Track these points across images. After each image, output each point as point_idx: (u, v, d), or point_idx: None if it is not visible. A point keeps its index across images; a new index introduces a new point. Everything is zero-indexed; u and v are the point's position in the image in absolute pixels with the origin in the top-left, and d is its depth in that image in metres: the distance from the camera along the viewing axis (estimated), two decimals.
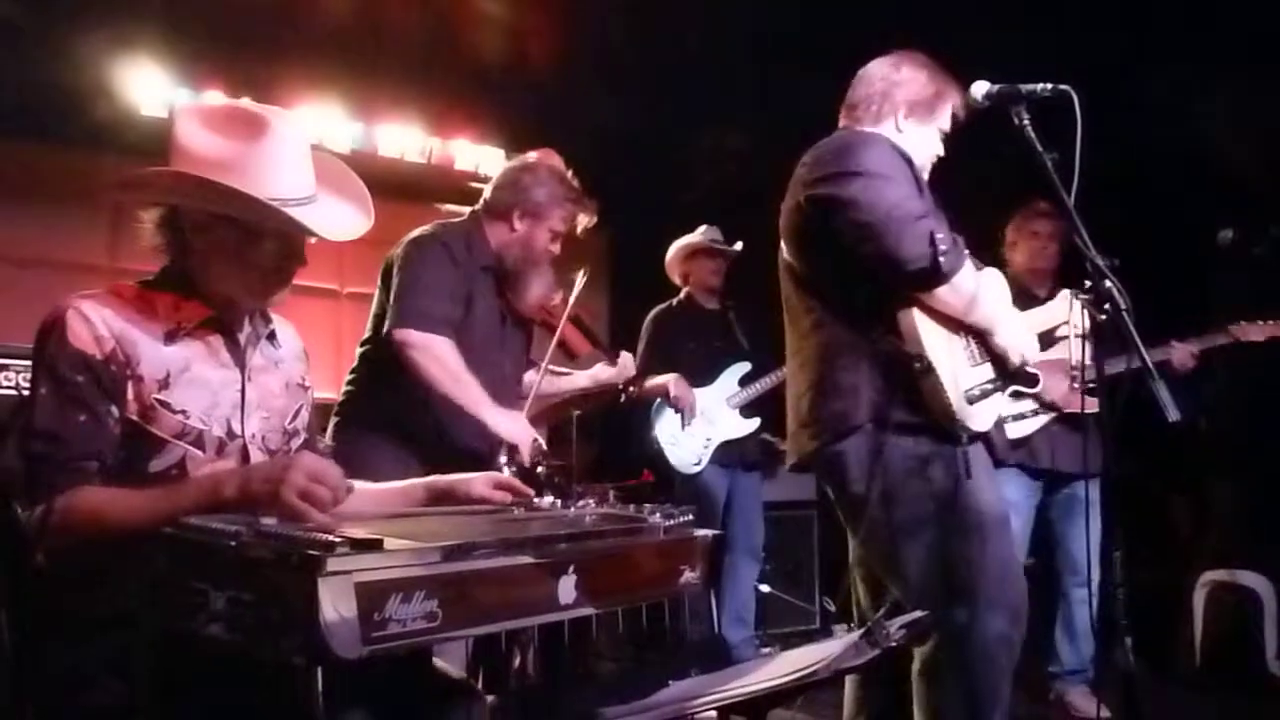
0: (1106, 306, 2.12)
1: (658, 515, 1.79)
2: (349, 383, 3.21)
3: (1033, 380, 2.72)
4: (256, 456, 1.87)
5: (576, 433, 4.92)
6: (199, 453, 1.77)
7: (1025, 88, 2.40)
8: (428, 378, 2.94)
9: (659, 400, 4.71)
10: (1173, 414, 2.05)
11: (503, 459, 2.98)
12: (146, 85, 5.38)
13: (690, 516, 1.83)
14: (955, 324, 2.53)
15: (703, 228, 4.92)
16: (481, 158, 6.56)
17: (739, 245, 4.88)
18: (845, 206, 2.45)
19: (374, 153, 6.25)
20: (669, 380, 4.64)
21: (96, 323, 1.72)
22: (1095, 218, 2.31)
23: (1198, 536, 4.90)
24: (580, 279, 3.37)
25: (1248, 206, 4.63)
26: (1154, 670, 4.30)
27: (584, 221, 3.30)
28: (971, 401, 2.46)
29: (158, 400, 1.74)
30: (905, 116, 2.65)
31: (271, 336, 2.00)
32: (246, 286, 1.88)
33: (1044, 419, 3.94)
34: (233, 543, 1.33)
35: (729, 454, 4.71)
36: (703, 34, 5.24)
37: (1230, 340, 3.96)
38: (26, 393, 3.24)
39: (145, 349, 1.75)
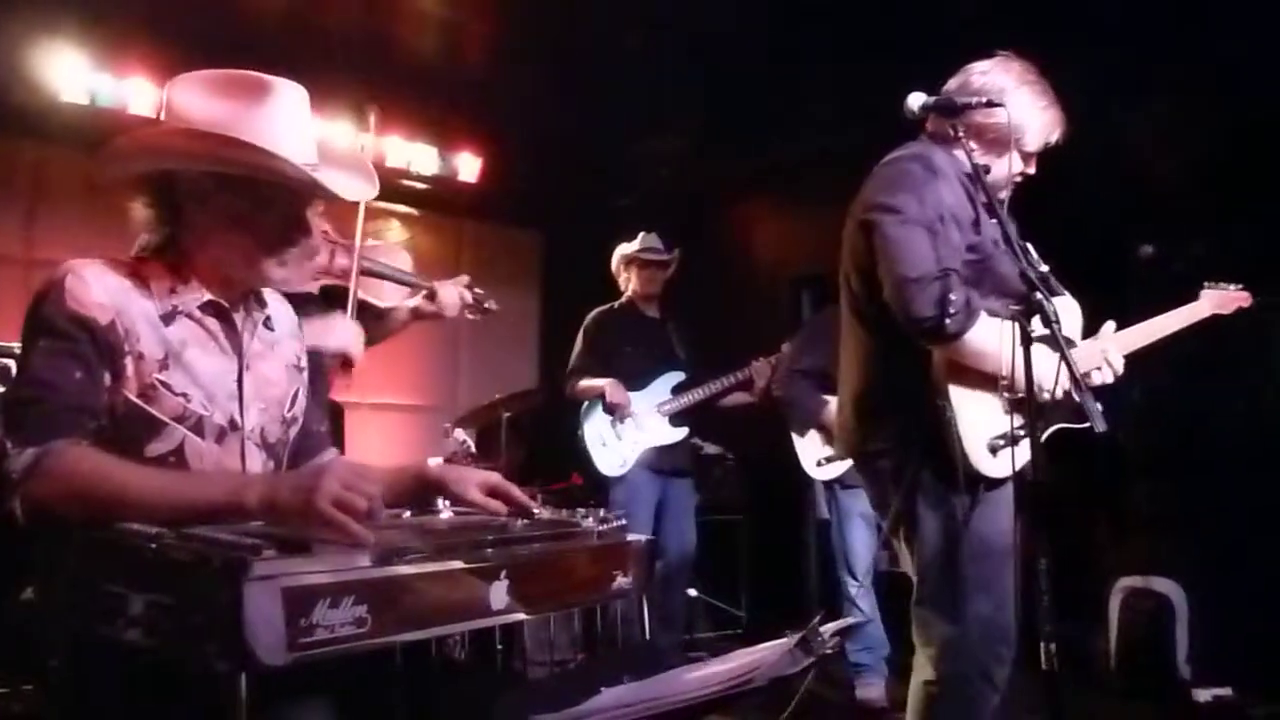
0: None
1: (590, 520, 1.78)
2: None
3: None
4: (254, 453, 1.79)
5: (505, 434, 4.89)
6: (199, 439, 1.69)
7: (960, 100, 2.45)
8: None
9: (589, 401, 4.72)
10: (1099, 425, 2.08)
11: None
12: (66, 71, 5.22)
13: (623, 521, 1.81)
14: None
15: (641, 235, 4.90)
16: (413, 155, 6.49)
17: (676, 253, 4.89)
18: (881, 243, 2.44)
19: None
20: (605, 384, 4.66)
21: (97, 289, 1.63)
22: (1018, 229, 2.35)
23: (1115, 543, 5.01)
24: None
25: (1167, 222, 4.76)
26: (1070, 674, 4.39)
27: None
28: (994, 450, 2.44)
29: (159, 380, 1.66)
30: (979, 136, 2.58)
31: (267, 321, 1.90)
32: (248, 260, 1.77)
33: None
34: (153, 544, 1.29)
35: (661, 460, 4.71)
36: (639, 36, 5.23)
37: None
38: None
39: (144, 327, 1.66)
